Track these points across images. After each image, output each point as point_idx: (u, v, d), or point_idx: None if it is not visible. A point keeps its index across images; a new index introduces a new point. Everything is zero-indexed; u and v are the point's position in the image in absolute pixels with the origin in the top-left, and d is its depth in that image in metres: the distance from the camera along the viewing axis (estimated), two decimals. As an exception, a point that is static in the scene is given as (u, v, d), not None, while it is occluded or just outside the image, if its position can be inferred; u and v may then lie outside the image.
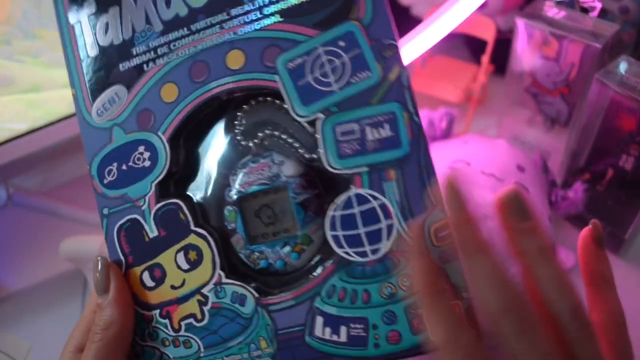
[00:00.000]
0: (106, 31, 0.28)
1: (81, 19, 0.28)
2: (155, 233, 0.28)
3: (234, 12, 0.26)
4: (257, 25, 0.26)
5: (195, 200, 0.29)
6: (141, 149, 0.28)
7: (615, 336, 0.24)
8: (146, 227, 0.28)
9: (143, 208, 0.28)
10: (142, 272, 0.28)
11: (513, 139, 0.62)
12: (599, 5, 0.56)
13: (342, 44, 0.25)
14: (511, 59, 0.57)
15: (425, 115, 0.55)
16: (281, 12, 0.25)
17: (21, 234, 0.60)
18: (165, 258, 0.28)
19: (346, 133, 0.25)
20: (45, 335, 0.54)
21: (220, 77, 0.26)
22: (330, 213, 0.26)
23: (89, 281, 0.55)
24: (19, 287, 0.58)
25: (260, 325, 0.27)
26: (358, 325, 0.26)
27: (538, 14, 0.52)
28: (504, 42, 0.60)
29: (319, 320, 0.26)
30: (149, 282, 0.28)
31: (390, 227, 0.25)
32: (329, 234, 0.26)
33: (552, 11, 0.53)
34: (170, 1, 0.27)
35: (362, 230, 0.25)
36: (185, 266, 0.27)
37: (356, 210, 0.25)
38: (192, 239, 0.28)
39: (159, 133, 0.27)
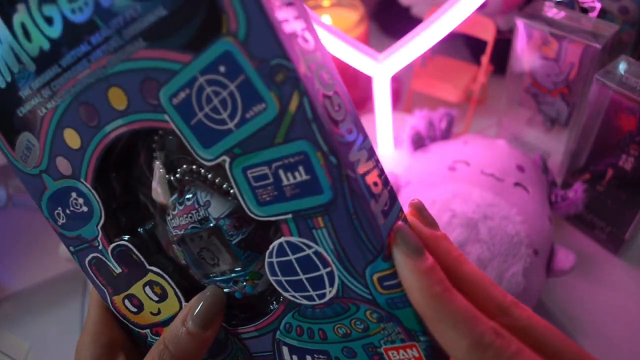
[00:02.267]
0: None
1: None
2: (119, 270, 0.28)
3: (93, 40, 0.21)
4: (122, 55, 0.21)
5: (145, 233, 0.28)
6: (74, 195, 0.26)
7: None
8: (110, 264, 0.28)
9: (100, 248, 0.27)
10: (123, 299, 0.29)
11: (513, 139, 0.62)
12: (598, 6, 0.56)
13: (222, 69, 0.19)
14: (511, 59, 0.57)
15: (425, 115, 0.55)
16: (143, 35, 0.20)
17: (21, 234, 0.60)
18: (136, 290, 0.28)
19: (259, 178, 0.21)
20: (45, 336, 0.54)
21: (111, 119, 0.23)
22: (267, 259, 0.24)
23: (89, 281, 0.54)
24: (19, 287, 0.58)
25: (235, 348, 0.28)
26: (322, 356, 0.26)
27: (538, 14, 0.53)
28: (504, 42, 0.60)
29: (285, 349, 0.27)
30: (132, 308, 0.29)
31: (330, 274, 0.23)
32: (271, 278, 0.24)
33: (552, 11, 0.53)
34: (30, 33, 0.22)
35: (302, 276, 0.23)
36: (155, 298, 0.28)
37: (291, 257, 0.23)
38: (150, 276, 0.27)
39: (82, 180, 0.25)
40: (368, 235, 0.21)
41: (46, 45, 0.22)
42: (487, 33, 0.61)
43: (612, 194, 0.51)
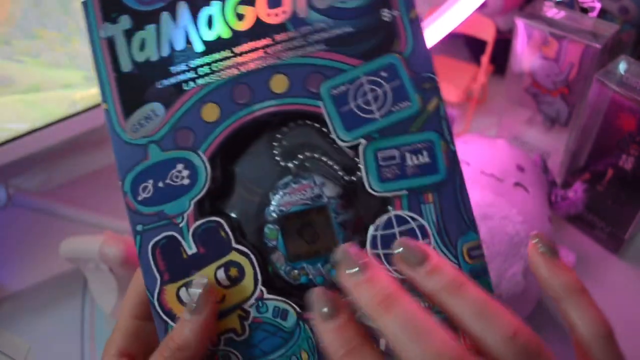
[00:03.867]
0: (142, 48, 0.28)
1: (114, 34, 0.28)
2: (194, 250, 0.28)
3: (278, 38, 0.27)
4: (301, 52, 0.27)
5: (232, 217, 0.29)
6: (180, 167, 0.27)
7: (600, 351, 0.23)
8: (184, 244, 0.28)
9: (181, 225, 0.28)
10: (179, 289, 0.28)
11: (513, 139, 0.62)
12: (598, 6, 0.57)
13: (384, 74, 0.26)
14: (511, 59, 0.57)
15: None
16: (326, 41, 0.26)
17: (21, 234, 0.60)
18: (204, 275, 0.28)
19: (387, 158, 0.26)
20: (44, 336, 0.54)
21: (264, 99, 0.27)
22: (371, 232, 0.27)
23: (89, 281, 0.55)
24: (19, 287, 0.58)
25: (302, 338, 0.27)
26: None
27: (538, 14, 0.53)
28: (504, 42, 0.60)
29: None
30: (187, 298, 0.28)
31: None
32: (370, 252, 0.26)
33: (552, 11, 0.53)
34: (213, 22, 0.27)
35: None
36: (226, 282, 0.28)
37: (396, 230, 0.26)
38: (233, 256, 0.28)
39: (200, 152, 0.27)
40: (466, 209, 0.26)
41: (227, 35, 0.27)
42: (487, 33, 0.61)
43: (612, 194, 0.51)
